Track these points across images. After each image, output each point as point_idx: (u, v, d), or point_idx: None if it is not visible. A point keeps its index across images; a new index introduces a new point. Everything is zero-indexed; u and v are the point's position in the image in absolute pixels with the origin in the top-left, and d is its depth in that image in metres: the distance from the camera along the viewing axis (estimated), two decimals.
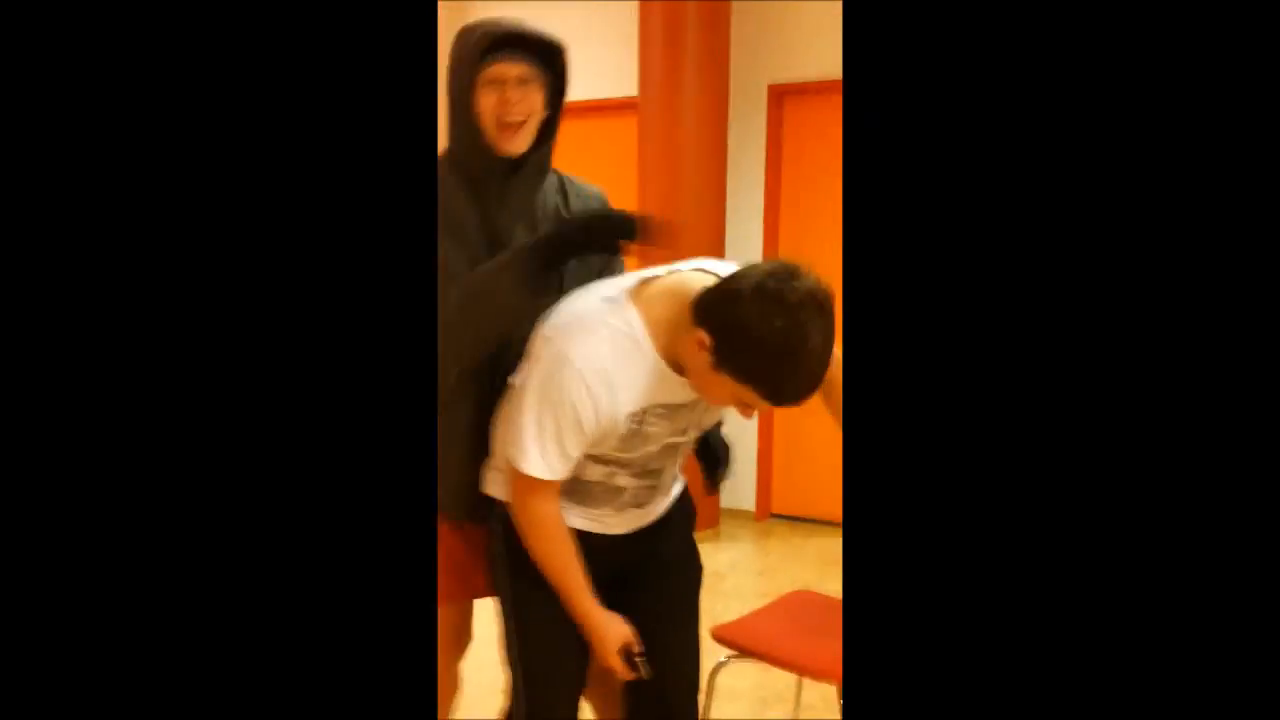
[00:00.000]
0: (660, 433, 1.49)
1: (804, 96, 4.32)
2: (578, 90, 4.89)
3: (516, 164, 1.56)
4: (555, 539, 1.51)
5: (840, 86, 3.93)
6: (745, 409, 1.38)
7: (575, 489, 1.54)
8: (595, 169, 4.60)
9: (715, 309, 1.32)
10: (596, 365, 1.39)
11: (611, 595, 1.57)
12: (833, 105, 4.23)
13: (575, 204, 1.67)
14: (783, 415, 4.48)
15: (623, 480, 1.55)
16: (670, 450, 1.56)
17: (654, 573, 1.67)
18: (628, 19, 4.18)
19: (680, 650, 1.69)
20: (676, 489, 1.71)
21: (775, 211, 4.42)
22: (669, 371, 1.42)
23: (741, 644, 1.94)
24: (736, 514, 4.58)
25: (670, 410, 1.47)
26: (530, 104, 1.53)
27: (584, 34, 4.51)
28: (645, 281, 1.46)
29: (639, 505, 1.61)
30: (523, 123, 1.53)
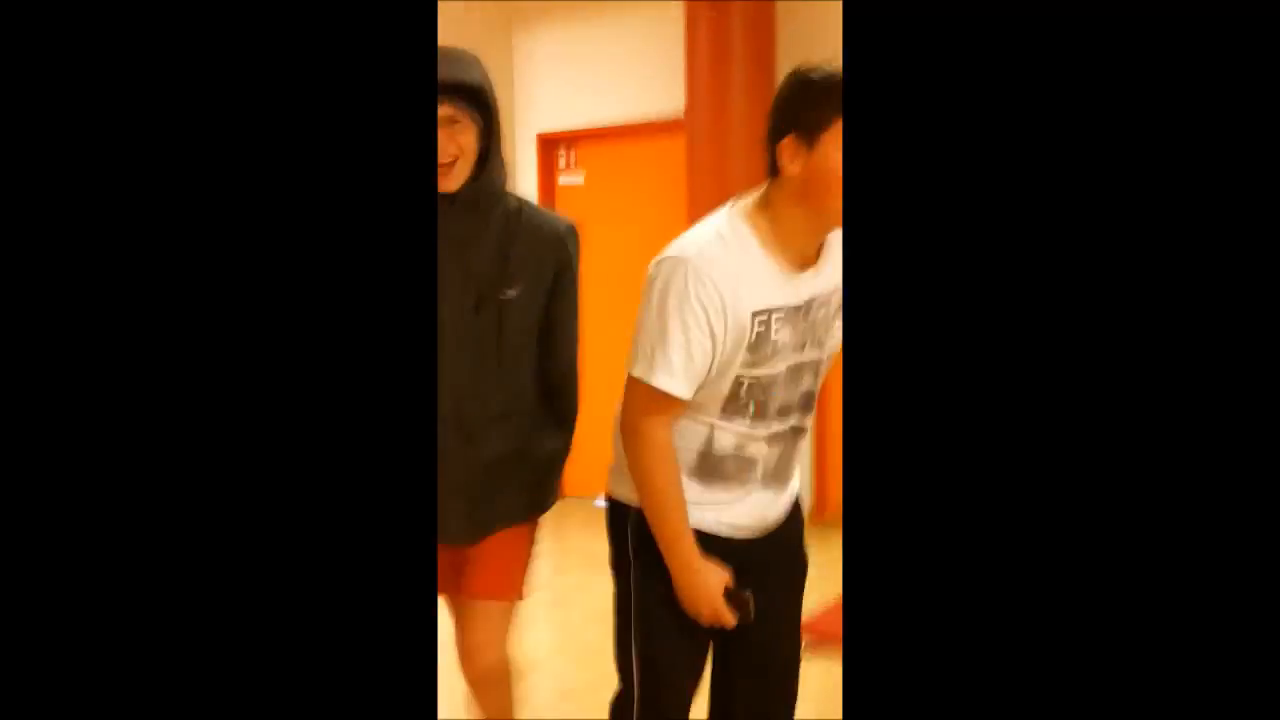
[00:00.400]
0: (785, 342, 1.47)
1: None
2: (623, 111, 4.92)
3: (451, 200, 1.62)
4: (670, 470, 1.47)
5: None
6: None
7: (706, 467, 1.52)
8: (642, 190, 4.59)
9: (777, 115, 1.42)
10: (715, 262, 1.40)
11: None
12: None
13: (523, 234, 1.71)
14: (837, 416, 4.42)
15: (754, 449, 1.52)
16: (794, 375, 1.51)
17: (769, 572, 1.63)
18: (673, 39, 4.16)
19: (785, 646, 1.68)
20: (795, 485, 1.67)
21: None
22: (780, 269, 1.45)
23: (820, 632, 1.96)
24: None
25: (789, 315, 1.46)
26: (458, 144, 1.59)
27: (628, 54, 4.52)
28: (734, 202, 1.51)
29: (770, 484, 1.57)
30: (451, 163, 1.59)
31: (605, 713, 2.76)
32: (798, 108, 1.39)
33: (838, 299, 1.53)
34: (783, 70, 4.18)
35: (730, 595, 1.51)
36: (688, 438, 1.52)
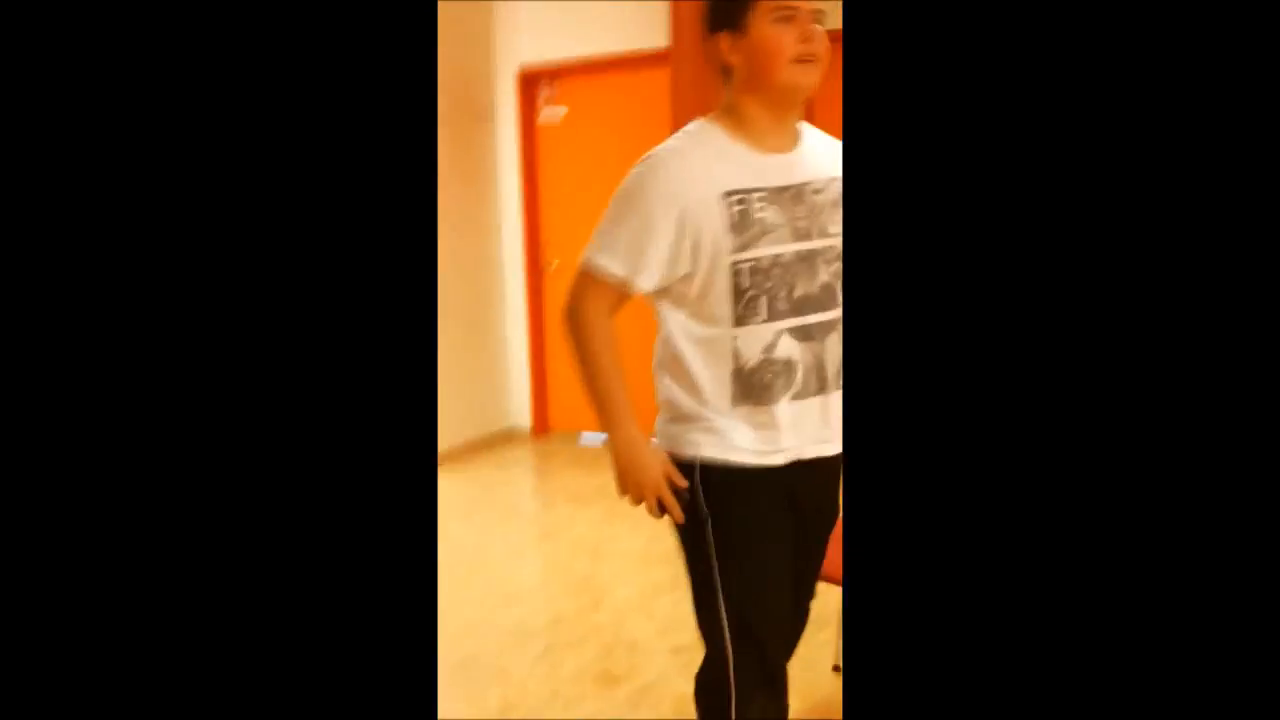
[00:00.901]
0: (775, 221, 1.46)
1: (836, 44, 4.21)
2: (609, 43, 4.81)
3: None
4: (605, 346, 1.50)
5: None
6: (799, 38, 1.45)
7: (742, 388, 1.49)
8: (626, 124, 4.55)
9: (709, 22, 1.50)
10: (678, 152, 1.48)
11: (787, 535, 1.55)
12: None
13: None
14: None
15: (785, 348, 1.48)
16: (808, 264, 1.49)
17: (814, 510, 1.63)
18: None
19: (814, 570, 1.69)
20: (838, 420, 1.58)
21: None
22: (751, 152, 1.48)
23: None
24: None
25: (773, 195, 1.46)
26: None
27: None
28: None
29: (815, 391, 1.52)
30: None
31: (593, 635, 2.84)
32: (721, 6, 1.48)
33: (835, 189, 1.52)
34: None
35: (673, 486, 1.50)
36: (708, 360, 1.50)
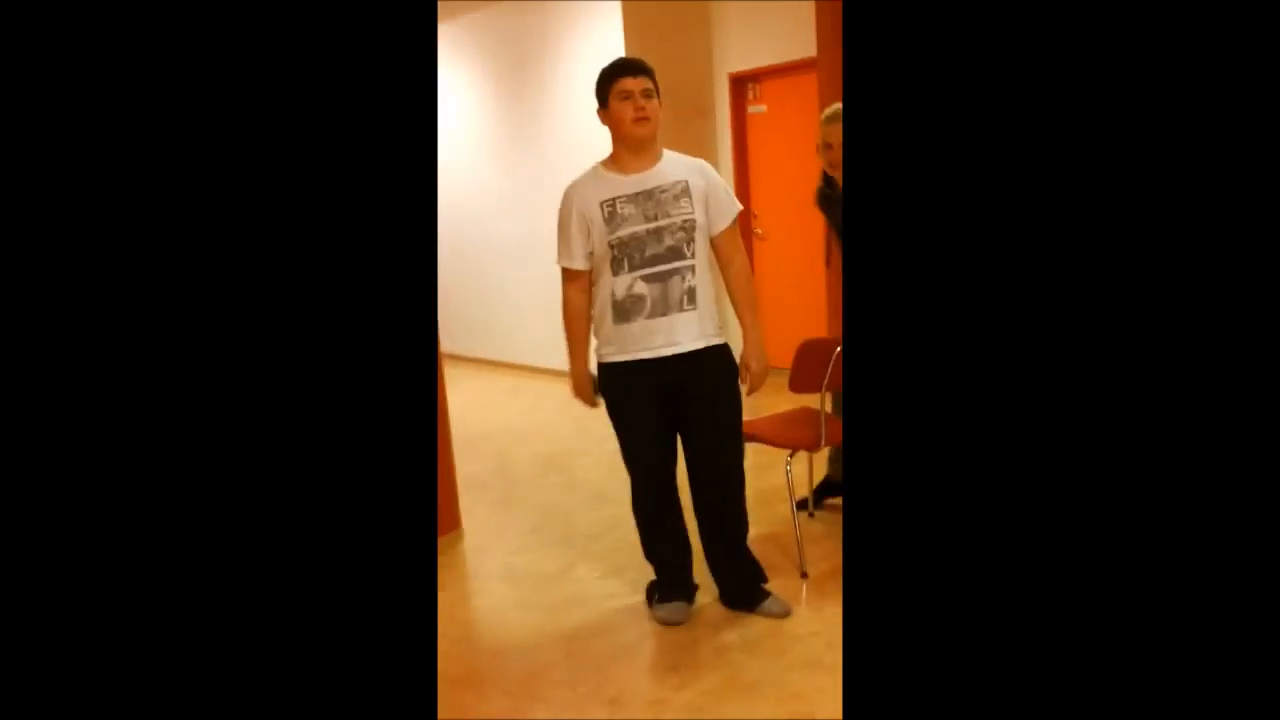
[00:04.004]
0: (633, 214, 2.48)
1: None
2: (794, 53, 5.87)
3: None
4: (573, 315, 2.63)
5: None
6: (632, 109, 2.48)
7: (618, 311, 2.51)
8: (786, 119, 5.51)
9: (596, 97, 2.58)
10: (576, 185, 2.59)
11: (668, 407, 2.57)
12: None
13: None
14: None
15: (639, 288, 2.49)
16: (655, 235, 2.48)
17: (696, 391, 2.58)
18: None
19: (718, 439, 2.64)
20: (695, 325, 2.53)
21: None
22: (614, 175, 2.55)
23: (751, 433, 2.99)
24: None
25: (630, 198, 2.50)
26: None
27: (768, 13, 5.43)
28: None
29: (660, 314, 2.49)
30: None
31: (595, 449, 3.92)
32: (598, 92, 2.57)
33: (678, 188, 2.52)
34: None
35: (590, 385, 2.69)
36: (603, 299, 2.55)
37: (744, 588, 2.77)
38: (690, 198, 2.52)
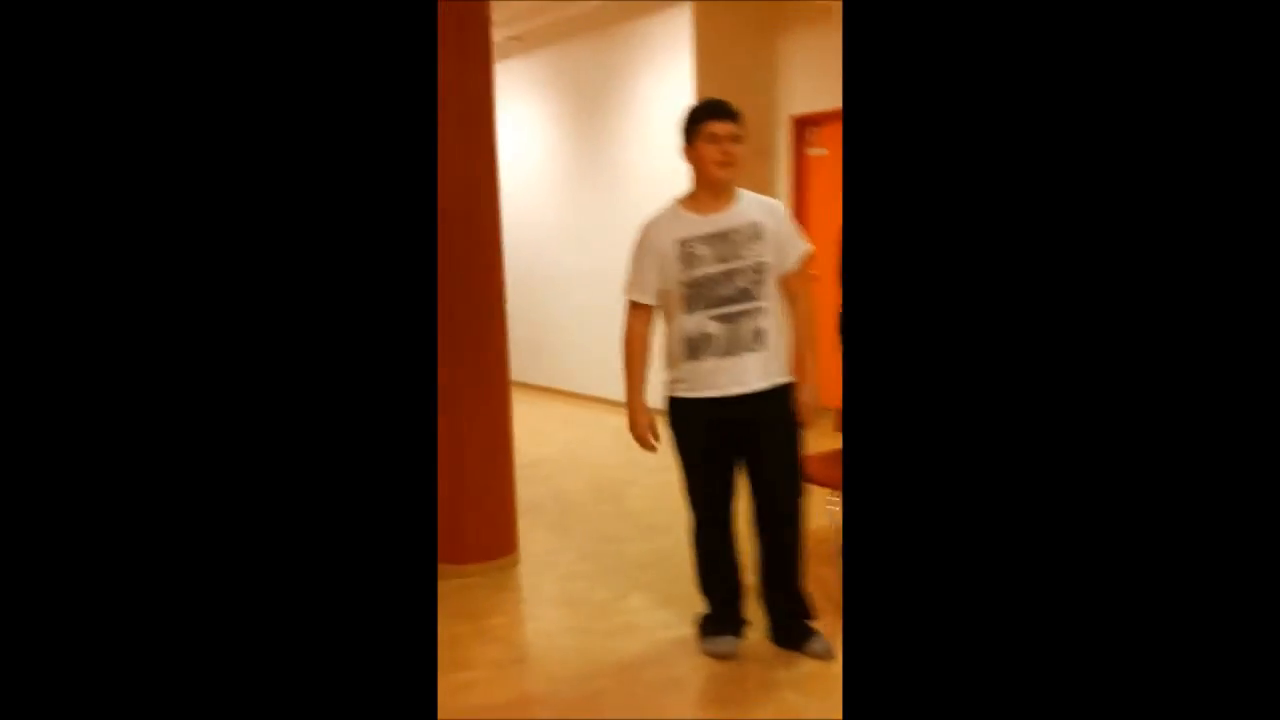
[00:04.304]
0: (708, 255, 2.54)
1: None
2: (831, 99, 5.94)
3: None
4: (636, 348, 2.68)
5: None
6: (719, 152, 2.54)
7: (688, 348, 2.57)
8: (829, 164, 5.57)
9: (680, 135, 2.63)
10: (654, 222, 2.66)
11: (732, 445, 2.62)
12: None
13: None
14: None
15: (711, 327, 2.54)
16: (728, 277, 2.53)
17: (762, 429, 2.63)
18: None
19: (780, 477, 2.68)
20: (761, 366, 2.59)
21: None
22: (694, 215, 2.61)
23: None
24: None
25: (706, 239, 2.56)
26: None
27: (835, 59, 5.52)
28: None
29: (728, 353, 2.55)
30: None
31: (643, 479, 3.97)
32: (684, 130, 2.64)
33: (751, 230, 2.57)
34: None
35: (650, 430, 2.71)
36: (673, 334, 2.62)
37: (795, 626, 2.82)
38: (763, 240, 2.59)
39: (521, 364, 7.66)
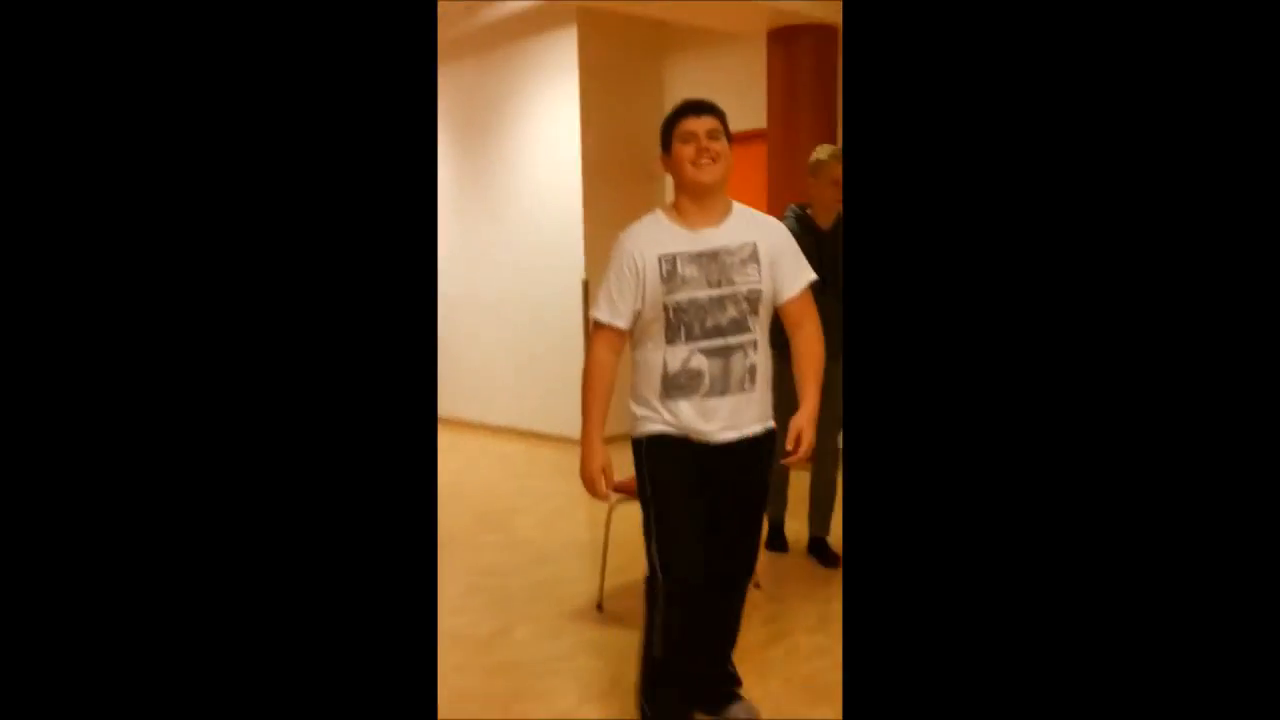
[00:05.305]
0: (694, 277, 2.10)
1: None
2: (735, 123, 5.96)
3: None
4: (599, 378, 2.18)
5: None
6: (694, 151, 2.13)
7: (667, 386, 2.13)
8: (744, 185, 5.60)
9: (660, 143, 2.22)
10: (633, 233, 2.20)
11: (699, 489, 2.17)
12: None
13: None
14: None
15: (697, 363, 2.11)
16: (719, 304, 2.11)
17: (737, 480, 2.24)
18: (757, 70, 5.18)
19: (742, 535, 2.30)
20: (756, 408, 2.21)
21: None
22: (679, 228, 2.18)
23: None
24: None
25: (693, 258, 2.11)
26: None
27: (731, 79, 5.57)
28: None
29: (719, 393, 2.13)
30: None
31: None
32: (662, 138, 2.22)
33: (746, 251, 2.15)
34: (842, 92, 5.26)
35: (603, 474, 2.20)
36: (650, 367, 2.15)
37: (720, 691, 2.49)
38: (758, 264, 2.18)
39: None
